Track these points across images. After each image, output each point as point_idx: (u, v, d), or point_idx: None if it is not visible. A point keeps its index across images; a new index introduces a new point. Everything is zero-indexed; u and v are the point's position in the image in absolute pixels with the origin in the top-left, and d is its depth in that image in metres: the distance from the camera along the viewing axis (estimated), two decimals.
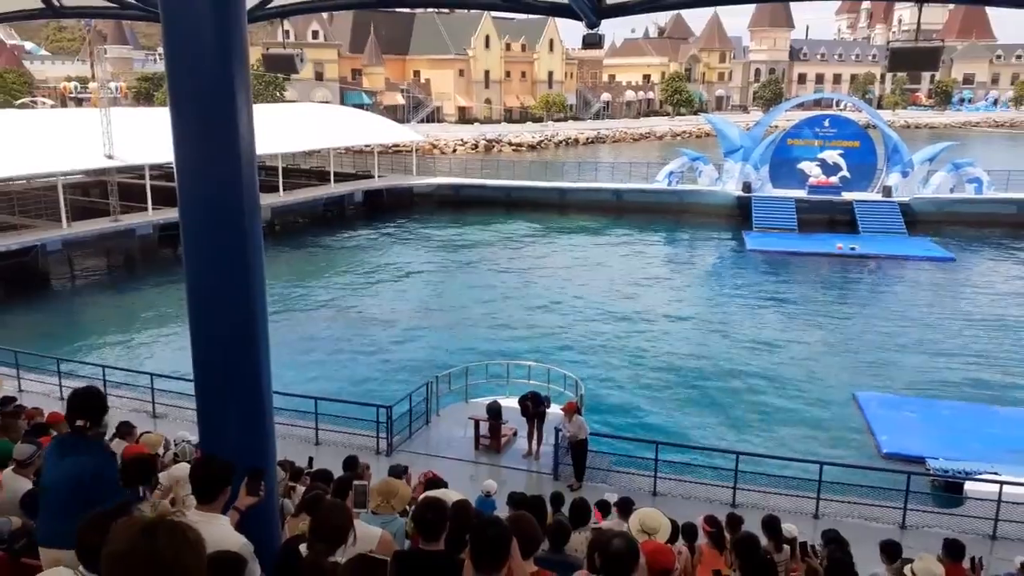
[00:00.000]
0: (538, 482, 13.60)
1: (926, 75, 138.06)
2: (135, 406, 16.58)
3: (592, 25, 7.28)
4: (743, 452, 13.97)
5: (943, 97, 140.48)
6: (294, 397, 15.43)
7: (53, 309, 29.56)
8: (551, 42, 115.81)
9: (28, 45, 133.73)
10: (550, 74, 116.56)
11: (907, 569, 6.16)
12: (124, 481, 5.74)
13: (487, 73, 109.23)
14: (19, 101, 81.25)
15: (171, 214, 33.47)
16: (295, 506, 6.26)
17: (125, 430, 10.17)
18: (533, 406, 14.49)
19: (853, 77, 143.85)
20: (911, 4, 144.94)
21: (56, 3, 7.74)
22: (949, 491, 14.32)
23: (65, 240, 32.68)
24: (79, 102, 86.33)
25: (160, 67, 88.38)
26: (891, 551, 7.74)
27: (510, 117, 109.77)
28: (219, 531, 3.71)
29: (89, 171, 39.47)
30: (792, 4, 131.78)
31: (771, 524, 7.74)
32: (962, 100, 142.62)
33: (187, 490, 5.70)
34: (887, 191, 43.33)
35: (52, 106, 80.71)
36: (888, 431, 17.63)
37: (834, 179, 44.34)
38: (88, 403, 4.51)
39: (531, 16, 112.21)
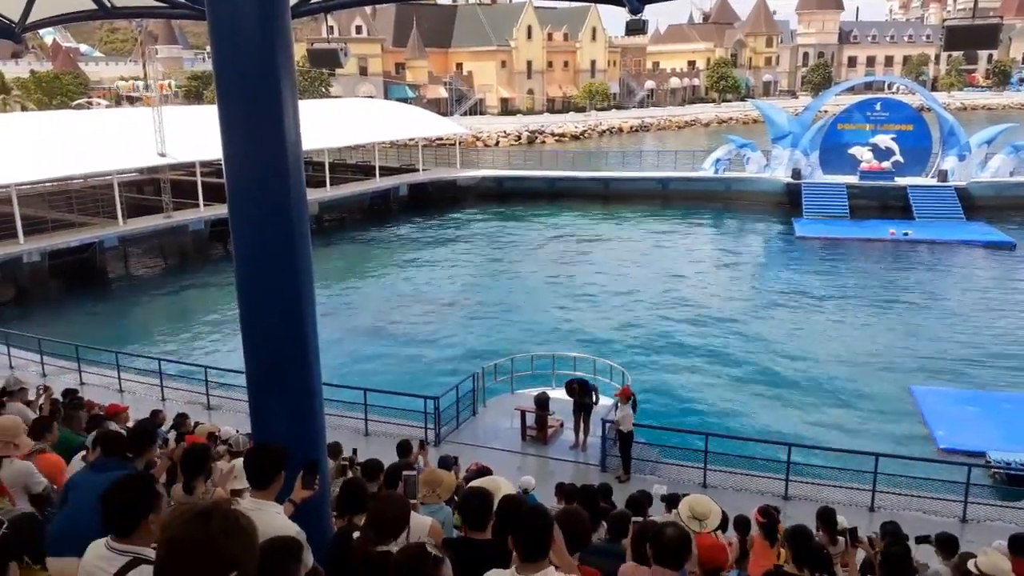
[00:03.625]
0: (585, 473, 13.56)
1: (983, 55, 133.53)
2: (190, 398, 17.00)
3: (635, 11, 7.16)
4: (795, 444, 13.71)
5: (1001, 77, 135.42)
6: (344, 388, 15.65)
7: (111, 303, 30.43)
8: (594, 30, 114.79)
9: (83, 47, 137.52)
10: (593, 63, 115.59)
11: (971, 564, 5.95)
12: (182, 471, 5.88)
13: (529, 64, 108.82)
14: (75, 102, 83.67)
15: (222, 210, 34.17)
16: (334, 502, 6.30)
17: (179, 421, 10.45)
18: (580, 393, 14.41)
19: (906, 59, 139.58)
20: None
21: (108, 4, 7.90)
22: (1011, 484, 13.88)
23: (121, 237, 33.59)
24: (132, 101, 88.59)
25: (209, 66, 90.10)
26: (947, 545, 7.48)
27: (552, 107, 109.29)
28: (273, 519, 3.77)
29: (143, 169, 40.49)
30: None
31: (826, 516, 7.58)
32: (1021, 80, 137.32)
33: (236, 485, 5.77)
34: (943, 175, 42.03)
35: (107, 106, 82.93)
36: (945, 426, 17.11)
37: (887, 164, 43.20)
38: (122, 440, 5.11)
39: (573, 4, 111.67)
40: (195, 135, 34.11)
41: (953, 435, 16.60)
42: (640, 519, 6.75)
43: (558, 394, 15.25)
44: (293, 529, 3.75)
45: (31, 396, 10.03)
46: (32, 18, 8.15)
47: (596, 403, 14.59)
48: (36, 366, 18.61)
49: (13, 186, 29.84)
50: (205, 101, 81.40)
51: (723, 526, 7.02)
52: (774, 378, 21.19)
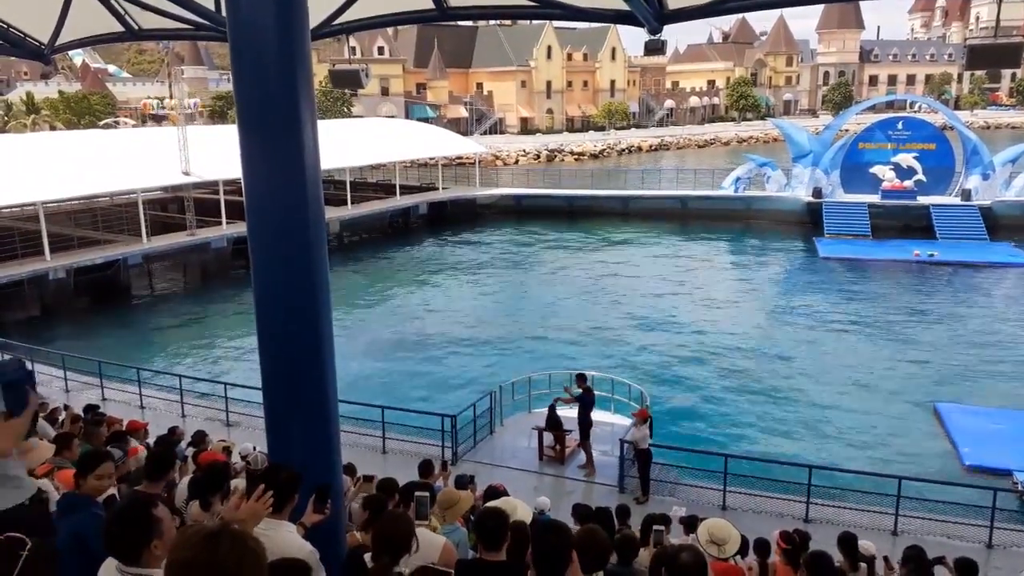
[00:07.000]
0: (603, 494, 13.42)
1: (1006, 73, 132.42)
2: (209, 414, 17.11)
3: (654, 31, 7.16)
4: (816, 465, 13.52)
5: None
6: (361, 406, 15.65)
7: (134, 320, 30.76)
8: (613, 50, 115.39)
9: (111, 68, 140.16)
10: (612, 82, 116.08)
11: None
12: (199, 487, 5.89)
13: (549, 83, 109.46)
14: (103, 121, 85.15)
15: (244, 228, 34.44)
16: (361, 520, 6.27)
17: (198, 438, 10.50)
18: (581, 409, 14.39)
19: (928, 78, 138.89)
20: (989, 0, 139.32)
21: (135, 26, 8.04)
22: None
23: (145, 254, 34.01)
24: (158, 120, 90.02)
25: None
26: (966, 570, 7.26)
27: (572, 126, 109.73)
28: (286, 538, 3.76)
29: (167, 187, 41.04)
30: (862, 4, 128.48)
31: (847, 541, 7.44)
32: None
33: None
34: (966, 194, 41.59)
35: (134, 125, 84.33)
36: (970, 443, 16.88)
37: (909, 183, 42.82)
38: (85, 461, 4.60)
39: (593, 25, 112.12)
40: (219, 154, 34.56)
41: (979, 452, 16.37)
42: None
43: (571, 413, 15.14)
44: (306, 548, 3.75)
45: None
46: (61, 40, 8.31)
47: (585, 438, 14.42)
48: (59, 382, 18.83)
49: (40, 204, 30.35)
50: (229, 120, 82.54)
51: (743, 551, 6.92)
52: (796, 398, 20.95)
